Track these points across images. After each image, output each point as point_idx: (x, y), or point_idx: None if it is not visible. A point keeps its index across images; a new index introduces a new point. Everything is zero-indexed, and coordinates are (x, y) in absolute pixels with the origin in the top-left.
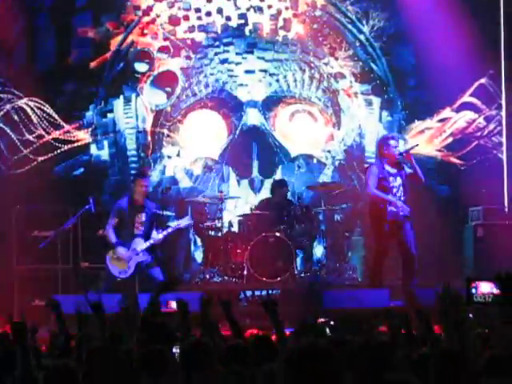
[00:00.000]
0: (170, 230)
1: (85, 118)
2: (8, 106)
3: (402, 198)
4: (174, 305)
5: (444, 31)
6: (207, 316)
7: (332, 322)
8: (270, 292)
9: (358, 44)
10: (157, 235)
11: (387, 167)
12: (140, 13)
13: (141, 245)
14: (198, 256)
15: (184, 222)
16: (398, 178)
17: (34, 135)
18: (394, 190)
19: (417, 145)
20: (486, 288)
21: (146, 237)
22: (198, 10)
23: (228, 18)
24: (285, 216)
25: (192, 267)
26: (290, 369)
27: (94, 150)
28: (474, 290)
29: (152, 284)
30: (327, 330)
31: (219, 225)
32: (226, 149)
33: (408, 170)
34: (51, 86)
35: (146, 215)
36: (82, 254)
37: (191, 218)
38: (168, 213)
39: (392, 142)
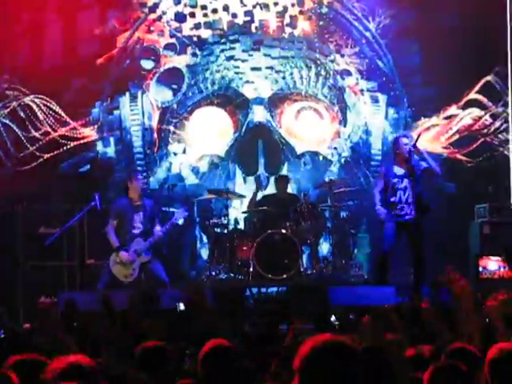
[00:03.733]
0: (167, 225)
1: (91, 114)
2: (14, 103)
3: (410, 200)
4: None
5: (450, 28)
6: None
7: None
8: (277, 289)
9: (364, 41)
10: (157, 232)
11: (396, 168)
12: (146, 10)
13: (141, 245)
14: (204, 253)
15: (179, 215)
16: (405, 180)
17: (40, 132)
18: (400, 193)
19: (419, 135)
20: (493, 266)
21: (146, 235)
22: (204, 7)
23: (234, 15)
24: (291, 213)
25: (198, 264)
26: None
27: (100, 147)
28: (481, 268)
29: (153, 280)
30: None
31: (225, 222)
32: (232, 146)
33: (424, 165)
34: (57, 82)
35: (144, 214)
36: (87, 251)
37: (185, 210)
38: (174, 210)
39: (403, 140)
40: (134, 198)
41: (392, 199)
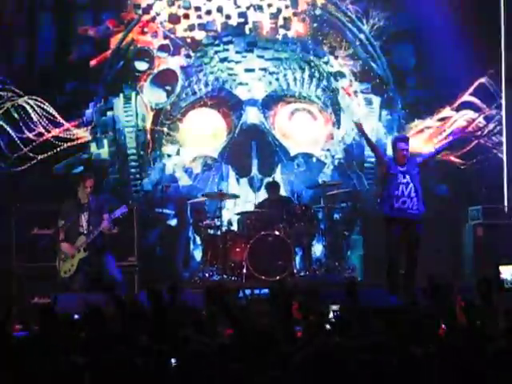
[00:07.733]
0: (105, 222)
1: (85, 116)
2: (8, 104)
3: (413, 195)
4: None
5: (444, 30)
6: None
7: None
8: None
9: (358, 43)
10: (95, 230)
11: (398, 165)
12: (140, 11)
13: (82, 242)
14: (198, 254)
15: (119, 210)
16: (408, 176)
17: (33, 133)
18: (402, 187)
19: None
20: (507, 274)
21: (90, 233)
22: (197, 9)
23: (228, 17)
24: (284, 214)
25: (191, 266)
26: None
27: (93, 148)
28: (503, 276)
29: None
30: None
31: (218, 223)
32: (225, 147)
33: (419, 159)
34: (51, 84)
35: (90, 213)
36: None
37: (126, 206)
38: (167, 211)
39: (400, 145)
40: (82, 199)
41: (395, 193)
